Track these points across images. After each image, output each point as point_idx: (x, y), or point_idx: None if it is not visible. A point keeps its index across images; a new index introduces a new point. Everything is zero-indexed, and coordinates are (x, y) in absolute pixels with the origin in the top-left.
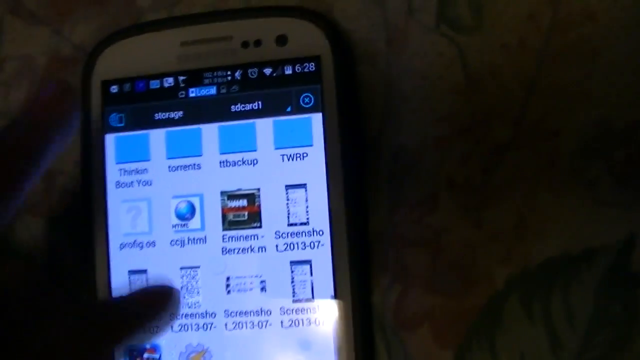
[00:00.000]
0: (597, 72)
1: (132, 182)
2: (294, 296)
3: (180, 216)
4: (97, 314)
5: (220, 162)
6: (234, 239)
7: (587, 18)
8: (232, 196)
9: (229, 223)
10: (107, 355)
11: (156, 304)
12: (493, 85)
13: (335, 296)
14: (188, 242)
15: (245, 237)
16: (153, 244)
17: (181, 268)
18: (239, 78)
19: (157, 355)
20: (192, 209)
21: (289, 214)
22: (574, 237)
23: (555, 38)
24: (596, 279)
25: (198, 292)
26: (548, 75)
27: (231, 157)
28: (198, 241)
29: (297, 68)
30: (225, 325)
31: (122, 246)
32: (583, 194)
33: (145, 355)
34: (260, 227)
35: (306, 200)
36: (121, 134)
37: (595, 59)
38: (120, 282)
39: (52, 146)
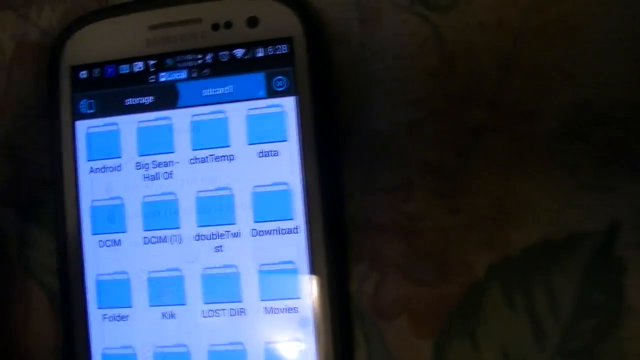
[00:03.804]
0: (577, 51)
1: (104, 169)
2: (270, 286)
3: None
4: None
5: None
6: (207, 233)
7: None
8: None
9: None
10: None
11: None
12: (468, 65)
13: (312, 286)
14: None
15: (219, 228)
16: (126, 240)
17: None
18: (210, 61)
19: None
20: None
21: (263, 202)
22: (556, 223)
23: (533, 15)
24: (579, 266)
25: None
26: (526, 55)
27: (204, 154)
28: (173, 239)
29: (269, 50)
30: (202, 312)
31: (95, 240)
32: (564, 178)
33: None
34: (234, 214)
35: (280, 187)
36: (91, 120)
37: (574, 37)
38: (92, 275)
39: None
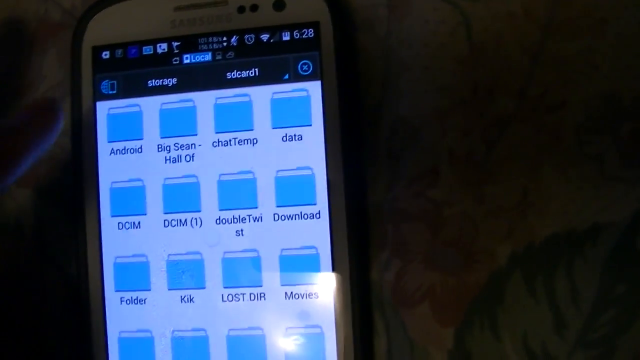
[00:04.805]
0: (604, 43)
1: (124, 150)
2: (291, 272)
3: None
4: None
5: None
6: (228, 217)
7: None
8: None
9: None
10: None
11: (43, 120)
12: (497, 55)
13: (334, 272)
14: (181, 224)
15: (241, 212)
16: (146, 222)
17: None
18: (234, 44)
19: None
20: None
21: (285, 187)
22: (579, 214)
23: (561, 7)
24: (601, 257)
25: (191, 271)
26: (553, 46)
27: (226, 137)
28: (193, 222)
29: (295, 34)
30: (222, 296)
31: (114, 222)
32: (589, 169)
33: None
34: (256, 198)
35: (303, 172)
36: (113, 101)
37: (602, 29)
38: (111, 258)
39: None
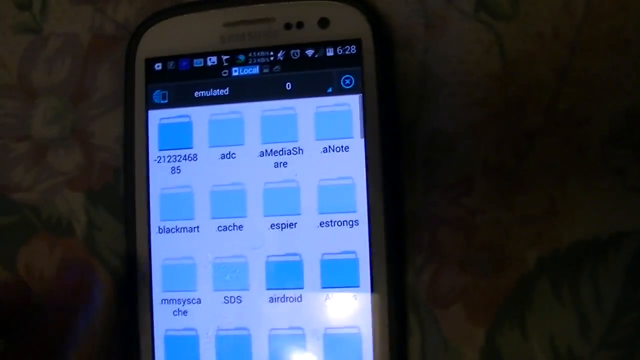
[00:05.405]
0: (628, 63)
1: (174, 158)
2: (331, 275)
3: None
4: None
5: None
6: (273, 223)
7: (619, 9)
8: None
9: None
10: None
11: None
12: (527, 72)
13: (372, 275)
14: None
15: (285, 218)
16: (194, 226)
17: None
18: (281, 58)
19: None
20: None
21: (327, 195)
22: (603, 222)
23: (587, 28)
24: (624, 263)
25: (236, 273)
26: (580, 65)
27: (272, 147)
28: (239, 227)
29: (339, 50)
30: (265, 298)
31: (162, 228)
32: (612, 180)
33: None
34: (299, 206)
35: (344, 182)
36: (164, 110)
37: (626, 49)
38: (159, 260)
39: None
